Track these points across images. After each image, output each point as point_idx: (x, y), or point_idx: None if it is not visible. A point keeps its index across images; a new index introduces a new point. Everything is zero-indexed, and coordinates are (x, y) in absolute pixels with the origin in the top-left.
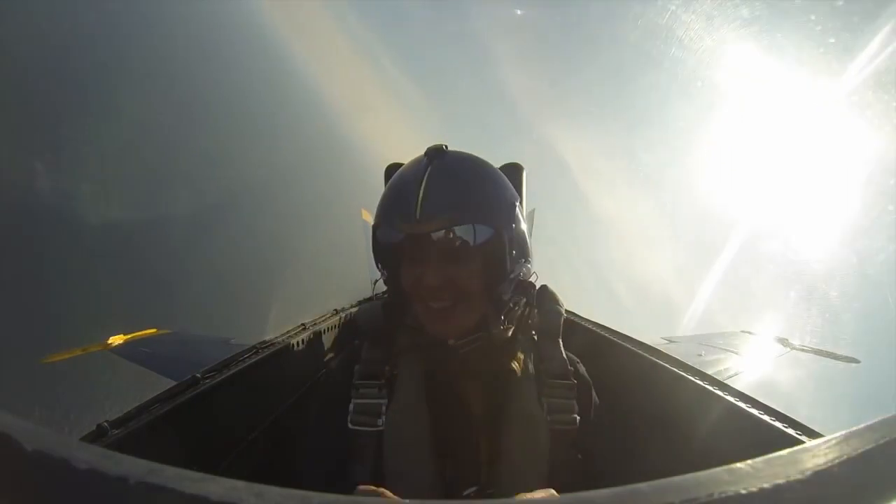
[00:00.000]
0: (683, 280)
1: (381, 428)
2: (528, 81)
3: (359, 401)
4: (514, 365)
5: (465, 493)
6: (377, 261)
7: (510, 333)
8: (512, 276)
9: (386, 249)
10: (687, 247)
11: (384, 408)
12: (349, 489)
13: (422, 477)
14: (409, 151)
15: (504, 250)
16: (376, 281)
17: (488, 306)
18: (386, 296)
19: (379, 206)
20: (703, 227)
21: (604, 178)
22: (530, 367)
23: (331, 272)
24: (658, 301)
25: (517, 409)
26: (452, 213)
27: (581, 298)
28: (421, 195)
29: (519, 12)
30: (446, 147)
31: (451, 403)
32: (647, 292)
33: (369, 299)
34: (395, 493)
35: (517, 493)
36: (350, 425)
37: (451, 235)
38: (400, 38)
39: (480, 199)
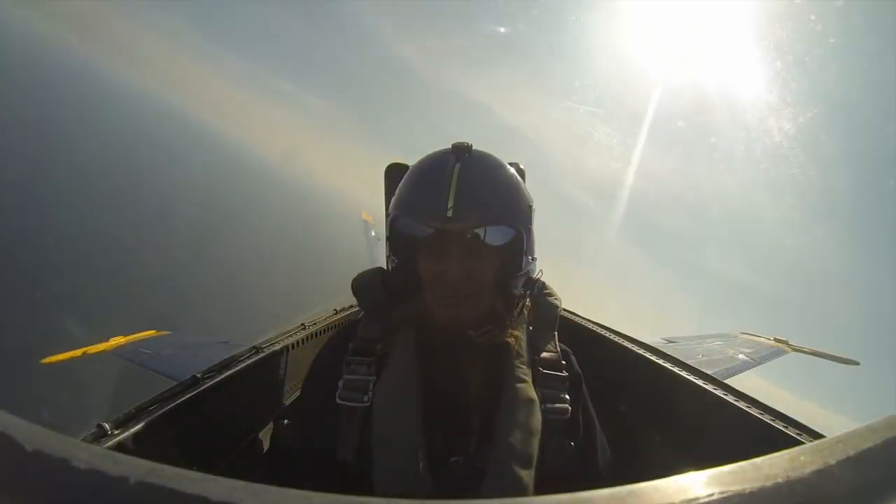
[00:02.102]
0: (624, 161)
1: (366, 404)
2: (417, 46)
3: (348, 377)
4: (512, 342)
5: (452, 460)
6: (391, 248)
7: (512, 323)
8: (522, 272)
9: (406, 240)
10: (615, 128)
11: (371, 384)
12: (336, 462)
13: (406, 446)
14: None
15: (522, 250)
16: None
17: (499, 299)
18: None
19: (402, 197)
20: (623, 102)
21: (522, 102)
22: (525, 353)
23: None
24: (615, 190)
25: (514, 388)
26: (482, 214)
27: (553, 228)
28: (452, 193)
29: None
30: (471, 146)
31: (445, 378)
32: (601, 188)
33: None
34: (378, 462)
35: (507, 471)
36: (338, 400)
37: (478, 234)
38: (285, 55)
39: (505, 202)
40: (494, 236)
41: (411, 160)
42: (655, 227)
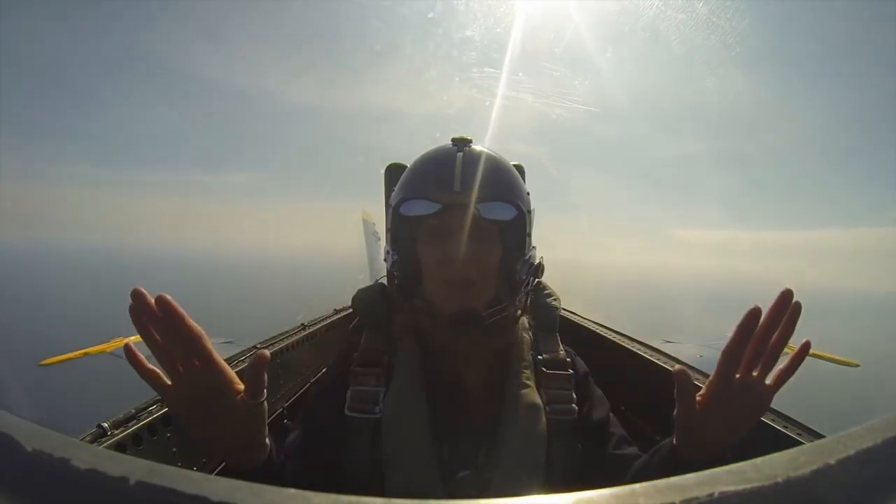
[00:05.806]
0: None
1: (377, 415)
2: (306, 86)
3: (357, 388)
4: (517, 349)
5: (460, 475)
6: (393, 240)
7: (518, 313)
8: (526, 257)
9: (408, 224)
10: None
11: (382, 395)
12: (345, 475)
13: (417, 460)
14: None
15: (524, 231)
16: (381, 278)
17: (503, 284)
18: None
19: (406, 182)
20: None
21: (427, 91)
22: (529, 355)
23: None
24: (547, 129)
25: (517, 395)
26: (486, 189)
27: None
28: (458, 170)
29: None
30: (470, 139)
31: (451, 387)
32: (538, 134)
33: None
34: (391, 477)
35: (513, 479)
36: (347, 412)
37: (481, 211)
38: (190, 150)
39: (507, 182)
40: (498, 212)
41: (348, 193)
42: (594, 144)
